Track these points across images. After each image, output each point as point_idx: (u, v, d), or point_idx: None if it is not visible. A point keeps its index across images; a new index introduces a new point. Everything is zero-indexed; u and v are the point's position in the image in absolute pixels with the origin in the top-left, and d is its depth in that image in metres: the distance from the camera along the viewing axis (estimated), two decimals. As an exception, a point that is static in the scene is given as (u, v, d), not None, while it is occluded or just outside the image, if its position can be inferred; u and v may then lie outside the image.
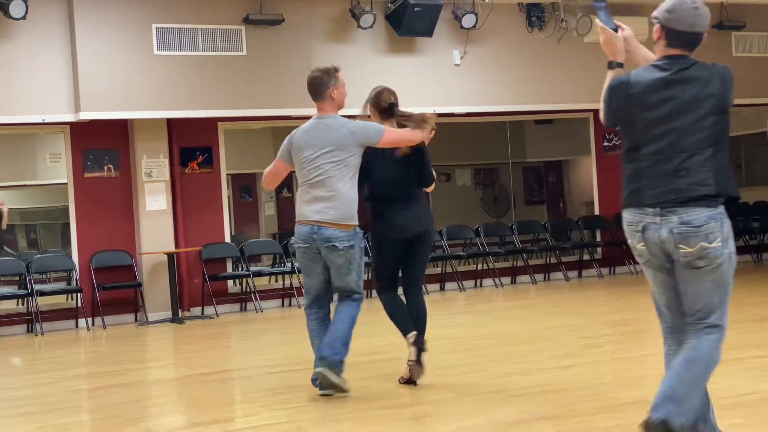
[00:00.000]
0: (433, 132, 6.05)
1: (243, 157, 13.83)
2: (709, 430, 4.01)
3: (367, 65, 11.77)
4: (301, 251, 5.94)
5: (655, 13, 4.02)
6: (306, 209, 5.90)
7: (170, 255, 11.26)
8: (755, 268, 13.98)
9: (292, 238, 6.12)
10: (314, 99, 6.04)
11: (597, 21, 4.48)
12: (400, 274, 6.20)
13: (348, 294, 5.93)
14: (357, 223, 5.91)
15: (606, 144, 14.16)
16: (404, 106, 6.27)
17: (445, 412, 5.43)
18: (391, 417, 5.40)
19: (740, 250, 15.32)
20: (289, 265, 12.11)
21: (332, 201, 5.83)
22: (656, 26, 4.05)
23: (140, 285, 11.43)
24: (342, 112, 6.11)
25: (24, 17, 10.34)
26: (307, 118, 6.19)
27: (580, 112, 13.96)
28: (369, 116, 6.21)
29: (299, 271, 11.91)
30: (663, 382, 3.86)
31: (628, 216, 4.10)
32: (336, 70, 6.05)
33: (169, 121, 11.56)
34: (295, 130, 6.08)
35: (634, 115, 4.03)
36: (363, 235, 5.97)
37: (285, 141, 6.09)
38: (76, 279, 11.24)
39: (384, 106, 6.14)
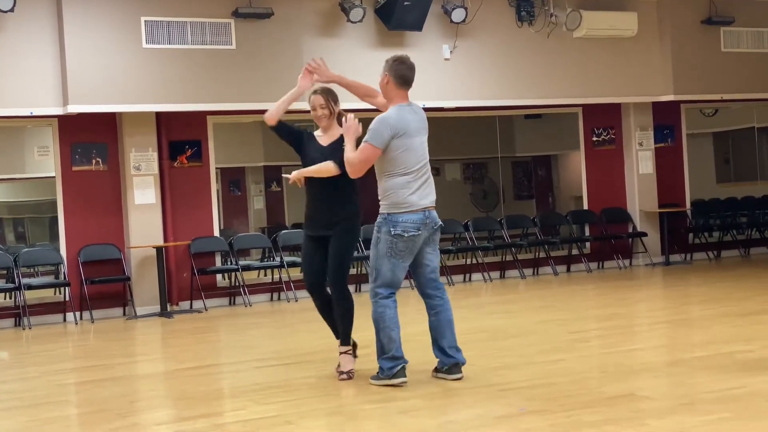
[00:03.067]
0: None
1: (232, 151, 13.79)
2: None
3: (356, 59, 11.75)
4: (412, 239, 5.95)
5: None
6: (413, 197, 5.94)
7: (159, 249, 11.24)
8: (743, 262, 14.04)
9: (395, 228, 5.91)
10: (407, 86, 6.03)
11: None
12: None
13: (438, 278, 6.34)
14: None
15: (595, 139, 14.19)
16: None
17: (433, 406, 5.44)
18: (380, 411, 5.40)
19: (728, 245, 15.48)
20: (278, 259, 12.09)
21: (432, 185, 6.08)
22: None
23: (128, 279, 11.40)
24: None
25: (12, 9, 10.30)
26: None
27: (570, 106, 13.98)
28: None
29: (289, 265, 11.99)
30: None
31: None
32: None
33: (158, 114, 11.52)
34: (385, 116, 5.92)
35: None
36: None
37: (381, 128, 5.86)
38: (64, 273, 11.21)
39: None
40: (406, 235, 5.91)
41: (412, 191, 5.93)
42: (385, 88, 6.02)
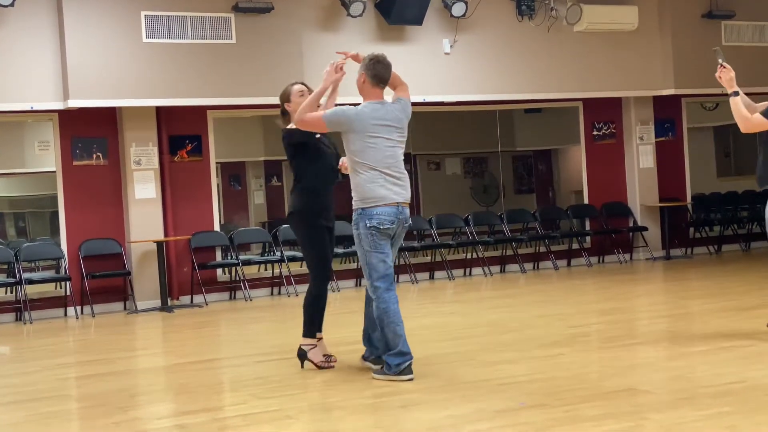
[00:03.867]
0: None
1: (232, 146, 13.79)
2: None
3: (356, 54, 11.74)
4: (386, 231, 6.00)
5: None
6: (383, 191, 5.97)
7: (159, 243, 11.24)
8: (743, 257, 14.04)
9: (371, 221, 5.96)
10: (383, 85, 6.13)
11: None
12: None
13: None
14: None
15: (595, 133, 14.18)
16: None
17: (433, 401, 5.44)
18: (380, 405, 5.41)
19: (729, 239, 15.47)
20: (278, 253, 12.09)
21: (406, 184, 6.11)
22: None
23: (129, 273, 11.40)
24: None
25: (12, 4, 10.30)
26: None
27: (570, 101, 13.97)
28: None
29: (289, 260, 11.98)
30: None
31: None
32: None
33: (158, 109, 11.52)
34: (352, 109, 6.00)
35: None
36: None
37: (341, 114, 5.98)
38: (64, 267, 11.22)
39: None
40: (381, 227, 5.97)
41: (380, 185, 5.99)
42: (361, 87, 6.14)
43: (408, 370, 5.92)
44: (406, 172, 6.15)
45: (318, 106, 6.13)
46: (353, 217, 6.07)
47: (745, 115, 6.61)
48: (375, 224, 5.94)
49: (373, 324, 6.21)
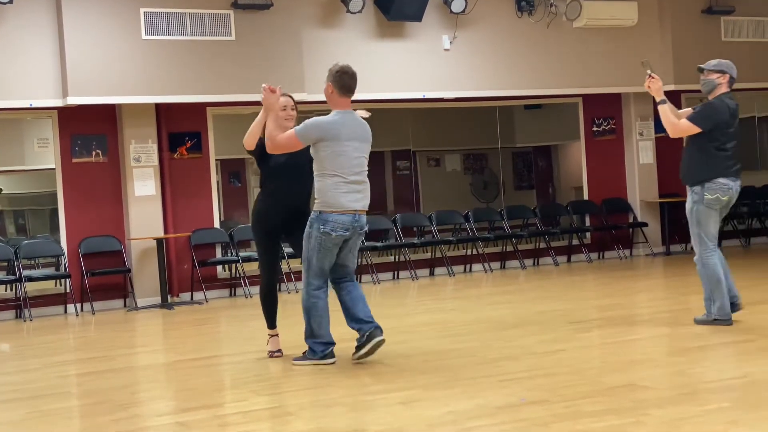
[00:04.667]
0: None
1: (232, 143, 13.72)
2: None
3: (356, 50, 11.74)
4: (338, 238, 6.33)
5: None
6: (343, 199, 6.32)
7: (159, 240, 11.24)
8: (743, 252, 14.04)
9: (325, 226, 6.32)
10: (350, 94, 6.44)
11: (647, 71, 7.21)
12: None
13: (353, 273, 6.64)
14: None
15: (595, 129, 14.18)
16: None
17: (434, 397, 5.44)
18: (381, 401, 5.41)
19: (729, 235, 15.47)
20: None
21: (367, 191, 6.47)
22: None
23: (129, 270, 11.40)
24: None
25: (11, 2, 10.30)
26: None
27: (570, 97, 13.97)
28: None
29: (289, 257, 11.97)
30: None
31: (728, 181, 7.16)
32: None
33: (158, 106, 11.51)
34: (322, 119, 6.36)
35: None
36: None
37: (312, 127, 6.33)
38: (64, 265, 11.21)
39: None
40: (333, 234, 6.32)
41: (342, 192, 6.32)
42: (330, 96, 6.45)
43: (331, 354, 6.50)
44: (367, 180, 6.48)
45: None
46: (311, 216, 6.41)
47: (674, 121, 7.25)
48: (328, 230, 6.32)
49: (353, 304, 6.48)
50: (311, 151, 6.39)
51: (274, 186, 6.79)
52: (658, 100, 7.32)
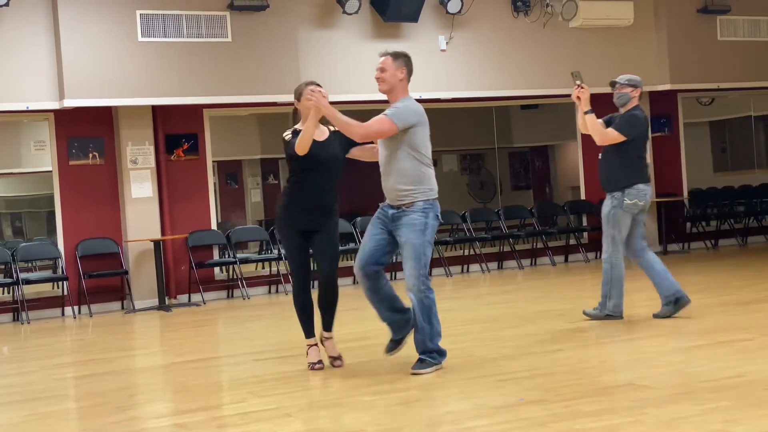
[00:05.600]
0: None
1: (229, 144, 13.78)
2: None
3: (352, 51, 11.75)
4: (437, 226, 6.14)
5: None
6: (436, 187, 6.14)
7: (156, 242, 11.23)
8: (740, 251, 14.05)
9: (438, 214, 6.14)
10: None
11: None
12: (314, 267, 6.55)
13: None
14: None
15: (592, 129, 14.16)
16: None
17: (432, 397, 5.44)
18: (379, 402, 5.41)
19: (725, 234, 15.46)
20: (275, 251, 12.09)
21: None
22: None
23: (126, 273, 11.40)
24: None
25: (7, 4, 10.29)
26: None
27: (566, 97, 13.92)
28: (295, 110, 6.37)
29: (286, 258, 11.94)
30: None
31: (645, 187, 7.63)
32: None
33: (154, 108, 11.51)
34: (411, 104, 6.02)
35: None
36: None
37: (408, 112, 5.96)
38: (61, 267, 11.21)
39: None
40: (438, 222, 6.17)
41: (435, 181, 6.17)
42: (398, 83, 6.05)
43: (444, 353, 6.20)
44: None
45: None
46: (421, 206, 6.05)
47: (602, 130, 7.66)
48: (439, 218, 6.15)
49: (384, 302, 6.23)
50: (399, 137, 5.95)
51: (306, 180, 6.29)
52: (585, 109, 7.71)
